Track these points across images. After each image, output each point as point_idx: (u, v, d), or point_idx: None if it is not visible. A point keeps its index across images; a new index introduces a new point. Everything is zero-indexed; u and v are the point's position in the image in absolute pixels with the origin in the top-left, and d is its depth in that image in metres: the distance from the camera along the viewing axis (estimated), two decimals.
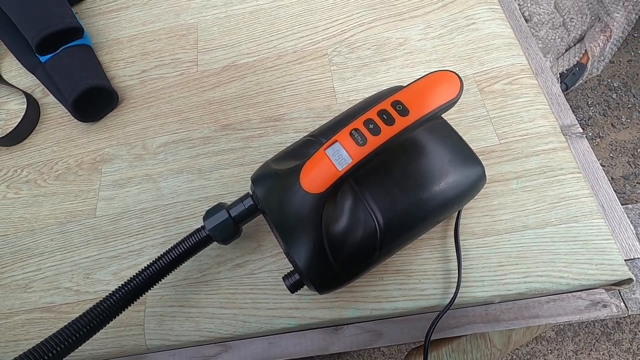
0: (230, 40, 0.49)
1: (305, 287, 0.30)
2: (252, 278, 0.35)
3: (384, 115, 0.25)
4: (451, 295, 0.31)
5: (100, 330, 0.27)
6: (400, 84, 0.37)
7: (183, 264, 0.31)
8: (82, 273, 0.38)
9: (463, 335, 0.32)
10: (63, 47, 0.47)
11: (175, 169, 0.41)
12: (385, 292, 0.32)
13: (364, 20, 0.47)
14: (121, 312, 0.29)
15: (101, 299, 0.28)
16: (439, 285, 0.32)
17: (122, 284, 0.29)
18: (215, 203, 0.33)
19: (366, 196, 0.29)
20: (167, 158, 0.42)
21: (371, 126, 0.25)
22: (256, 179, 0.31)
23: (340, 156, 0.26)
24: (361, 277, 0.31)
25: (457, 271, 0.31)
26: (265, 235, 0.36)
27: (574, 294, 0.32)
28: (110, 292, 0.29)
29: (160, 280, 0.31)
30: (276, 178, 0.29)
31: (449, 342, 0.34)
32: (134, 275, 0.30)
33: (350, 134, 0.26)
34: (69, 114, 0.47)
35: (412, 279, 0.32)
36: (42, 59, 0.46)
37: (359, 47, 0.45)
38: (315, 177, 0.26)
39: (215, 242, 0.32)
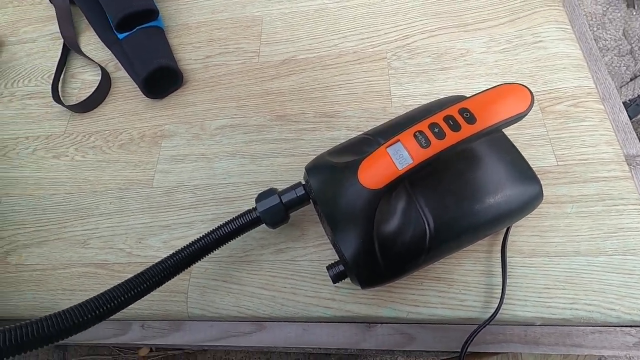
0: (292, 35, 0.50)
1: (347, 280, 0.31)
2: (293, 264, 0.36)
3: (450, 121, 0.26)
4: (492, 310, 0.31)
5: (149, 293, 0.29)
6: (460, 94, 0.37)
7: (231, 242, 0.33)
8: (135, 237, 0.40)
9: (497, 353, 0.32)
10: (139, 27, 0.50)
11: (230, 152, 0.43)
12: (424, 297, 0.32)
13: (427, 28, 0.47)
14: (172, 278, 0.31)
15: (154, 263, 0.30)
16: (479, 298, 0.32)
17: (176, 251, 0.31)
18: (265, 188, 0.34)
19: (419, 199, 0.29)
20: (223, 140, 0.44)
21: (436, 130, 0.26)
22: (311, 169, 0.32)
23: (401, 156, 0.26)
24: (401, 279, 0.31)
25: (500, 287, 0.31)
26: (310, 225, 0.37)
27: (623, 328, 0.31)
28: (165, 257, 0.30)
29: (210, 253, 0.32)
30: (332, 170, 0.30)
31: (481, 357, 0.33)
32: (187, 245, 0.32)
33: (414, 135, 0.26)
34: (136, 89, 0.50)
35: (453, 288, 0.32)
36: (120, 36, 0.50)
37: (419, 54, 0.45)
38: (374, 173, 0.27)
39: (263, 225, 0.33)
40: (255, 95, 0.47)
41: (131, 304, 0.29)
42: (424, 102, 0.42)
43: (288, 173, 0.41)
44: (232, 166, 0.42)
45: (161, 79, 0.48)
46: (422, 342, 0.32)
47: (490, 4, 0.47)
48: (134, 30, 0.50)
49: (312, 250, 0.36)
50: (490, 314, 0.30)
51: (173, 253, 0.31)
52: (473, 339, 0.30)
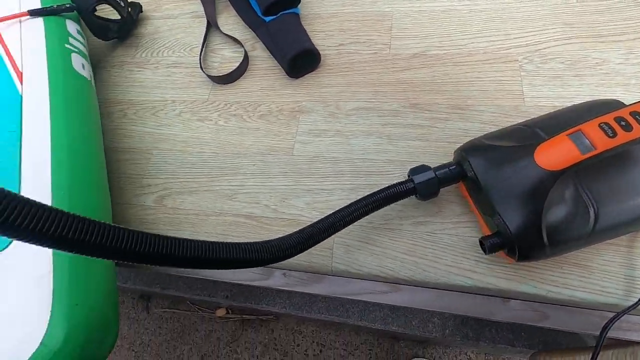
0: (422, 32, 0.54)
1: (493, 255, 0.34)
2: (432, 236, 0.39)
3: (637, 116, 0.28)
4: (634, 300, 0.33)
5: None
6: (600, 98, 0.39)
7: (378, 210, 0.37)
8: (279, 197, 0.45)
9: (634, 342, 0.34)
10: (282, 12, 0.55)
11: (365, 131, 0.47)
12: (564, 279, 0.35)
13: (559, 36, 0.49)
14: (333, 234, 0.35)
15: (321, 218, 0.34)
16: (620, 286, 0.34)
17: (337, 210, 0.35)
18: (401, 167, 0.38)
19: (584, 187, 0.32)
20: (359, 121, 0.48)
21: (623, 123, 0.29)
22: (469, 150, 0.36)
23: (582, 143, 0.29)
24: (545, 260, 0.34)
25: None
26: (447, 204, 0.41)
27: None
28: (328, 215, 0.35)
29: (363, 216, 0.36)
30: (500, 151, 0.34)
31: (618, 346, 0.35)
32: (345, 206, 0.36)
33: (600, 126, 0.29)
34: (273, 67, 0.55)
35: (594, 275, 0.35)
36: (266, 19, 0.55)
37: (552, 60, 0.48)
38: (555, 156, 0.30)
39: (407, 198, 0.37)
40: (388, 84, 0.51)
41: (290, 257, 0.32)
42: (558, 104, 0.44)
43: (423, 155, 0.44)
44: (369, 144, 0.46)
45: (302, 60, 0.53)
46: (556, 320, 0.35)
47: (625, 19, 0.48)
48: (279, 14, 0.55)
49: (450, 226, 0.40)
50: (633, 303, 0.33)
51: (341, 208, 0.35)
52: (614, 322, 0.32)
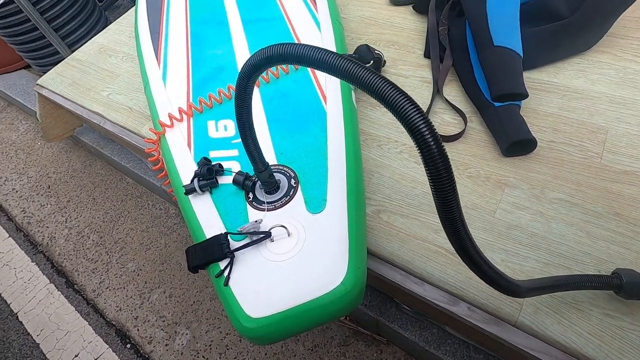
0: (637, 154, 0.61)
1: None
2: (621, 331, 0.45)
3: None
4: None
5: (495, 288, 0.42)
6: None
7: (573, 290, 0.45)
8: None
9: None
10: (509, 102, 0.68)
11: (567, 221, 0.56)
12: None
13: None
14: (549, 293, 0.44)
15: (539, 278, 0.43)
16: None
17: (557, 276, 0.44)
18: (597, 263, 0.45)
19: None
20: (561, 210, 0.57)
21: None
22: None
23: None
24: None
25: None
26: (638, 309, 0.46)
27: None
28: (553, 276, 0.44)
29: (570, 290, 0.45)
30: None
31: None
32: (564, 276, 0.44)
33: None
34: (486, 140, 0.68)
35: None
36: (496, 104, 0.68)
37: None
38: None
39: (609, 291, 0.44)
40: (595, 188, 0.58)
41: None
42: None
43: (622, 261, 0.51)
44: (568, 233, 0.54)
45: (519, 144, 0.64)
46: None
47: None
48: (506, 103, 0.68)
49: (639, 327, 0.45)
50: None
51: (559, 276, 0.44)
52: None
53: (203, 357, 0.99)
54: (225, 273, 0.46)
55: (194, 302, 1.10)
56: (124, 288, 1.16)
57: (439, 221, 0.34)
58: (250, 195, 0.54)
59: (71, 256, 1.25)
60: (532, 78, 0.74)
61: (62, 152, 1.56)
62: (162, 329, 1.06)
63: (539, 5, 0.75)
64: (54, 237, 1.31)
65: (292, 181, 0.54)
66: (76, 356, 1.05)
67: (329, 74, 0.32)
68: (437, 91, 0.77)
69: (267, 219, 0.51)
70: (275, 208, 0.52)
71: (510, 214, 0.58)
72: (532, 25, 0.74)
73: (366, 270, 0.49)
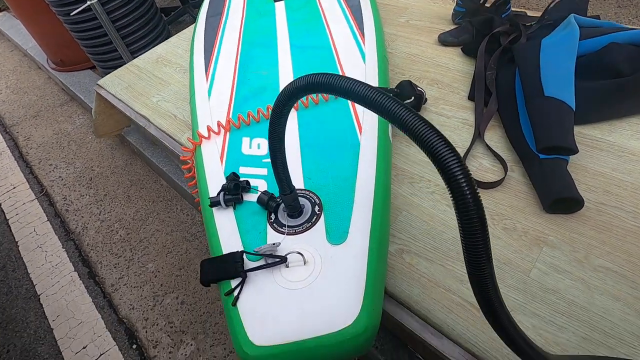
0: None
1: None
2: None
3: None
4: None
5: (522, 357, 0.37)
6: None
7: None
8: (508, 305, 0.51)
9: None
10: (555, 155, 0.64)
11: (613, 295, 0.50)
12: None
13: None
14: None
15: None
16: None
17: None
18: None
19: None
20: (607, 280, 0.51)
21: None
22: None
23: None
24: None
25: None
26: None
27: None
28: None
29: None
30: None
31: None
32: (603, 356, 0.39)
33: None
34: (527, 192, 0.63)
35: None
36: (540, 155, 0.65)
37: None
38: None
39: None
40: None
41: None
42: None
43: None
44: (614, 308, 0.49)
45: (563, 202, 0.59)
46: None
47: None
48: (552, 156, 0.63)
49: None
50: None
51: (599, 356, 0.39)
52: None
53: None
54: (235, 292, 0.45)
55: (203, 312, 1.09)
56: (141, 287, 1.17)
57: (465, 271, 0.31)
58: (273, 216, 0.53)
59: (98, 248, 1.30)
60: (583, 133, 0.70)
61: (108, 149, 1.66)
62: (169, 335, 1.06)
63: (598, 60, 0.72)
64: (87, 227, 1.37)
65: (317, 208, 0.53)
66: (84, 347, 1.07)
67: (364, 107, 0.31)
68: (479, 135, 0.75)
69: (285, 243, 0.50)
70: (296, 233, 0.51)
71: (547, 276, 0.53)
72: (589, 80, 0.70)
73: (381, 313, 0.46)
